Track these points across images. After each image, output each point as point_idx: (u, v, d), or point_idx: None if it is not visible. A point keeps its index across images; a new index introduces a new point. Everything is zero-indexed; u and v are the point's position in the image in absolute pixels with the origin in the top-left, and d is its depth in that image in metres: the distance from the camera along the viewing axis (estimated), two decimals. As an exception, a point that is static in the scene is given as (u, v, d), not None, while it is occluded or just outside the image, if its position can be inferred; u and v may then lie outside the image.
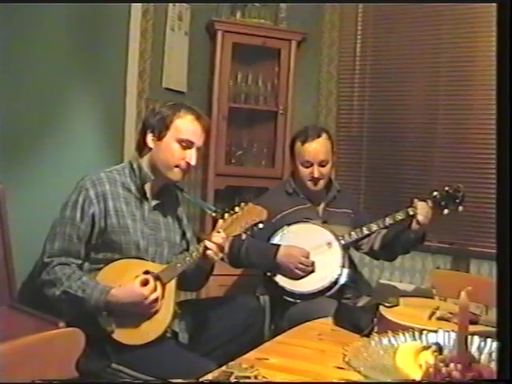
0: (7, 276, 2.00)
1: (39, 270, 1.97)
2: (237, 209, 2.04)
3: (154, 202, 2.12)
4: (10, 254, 2.01)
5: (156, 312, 1.95)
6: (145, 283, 1.93)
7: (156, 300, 1.94)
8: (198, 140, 2.07)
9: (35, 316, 1.88)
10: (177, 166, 2.05)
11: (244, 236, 2.07)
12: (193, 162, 2.05)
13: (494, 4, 3.14)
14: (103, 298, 1.88)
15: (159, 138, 2.05)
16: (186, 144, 2.04)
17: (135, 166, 2.09)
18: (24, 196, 2.21)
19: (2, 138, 2.14)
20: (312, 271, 2.54)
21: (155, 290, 1.94)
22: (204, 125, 2.10)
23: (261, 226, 2.04)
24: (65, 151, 2.46)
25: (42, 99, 2.39)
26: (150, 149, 2.08)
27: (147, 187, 2.09)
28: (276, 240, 2.61)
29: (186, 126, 2.05)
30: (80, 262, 1.99)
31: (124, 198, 2.05)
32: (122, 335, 1.91)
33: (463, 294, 1.11)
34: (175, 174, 2.07)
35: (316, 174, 2.65)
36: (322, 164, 2.66)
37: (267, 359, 1.59)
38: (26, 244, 2.07)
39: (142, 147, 2.11)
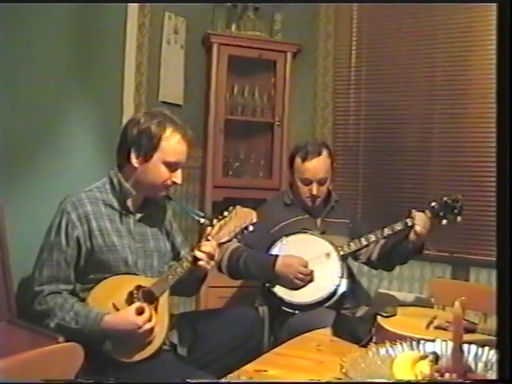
0: (6, 291, 2.00)
1: (31, 299, 1.94)
2: (225, 213, 2.01)
3: (138, 215, 2.08)
4: (8, 269, 2.01)
5: (150, 342, 1.91)
6: (140, 312, 1.88)
7: (151, 330, 1.90)
8: (184, 159, 2.05)
9: (34, 331, 1.87)
10: (163, 186, 2.04)
11: (235, 240, 2.03)
12: (179, 181, 2.04)
13: (491, 12, 3.18)
14: (97, 326, 1.85)
15: (145, 158, 1.99)
16: (174, 166, 2.02)
17: (115, 182, 2.04)
18: (21, 211, 2.21)
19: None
20: (311, 280, 2.54)
21: (150, 320, 1.89)
22: (189, 142, 2.05)
23: (251, 228, 2.00)
24: (62, 166, 2.46)
25: (39, 114, 2.39)
26: (134, 167, 2.01)
27: (130, 201, 2.05)
28: (274, 251, 2.61)
29: (173, 148, 1.99)
30: (71, 287, 1.96)
31: (107, 216, 2.01)
32: (119, 353, 1.89)
33: (457, 303, 1.11)
34: (160, 192, 2.07)
35: (315, 192, 2.65)
36: (321, 182, 2.66)
37: (266, 371, 1.59)
38: (24, 259, 2.06)
39: (123, 163, 2.04)
